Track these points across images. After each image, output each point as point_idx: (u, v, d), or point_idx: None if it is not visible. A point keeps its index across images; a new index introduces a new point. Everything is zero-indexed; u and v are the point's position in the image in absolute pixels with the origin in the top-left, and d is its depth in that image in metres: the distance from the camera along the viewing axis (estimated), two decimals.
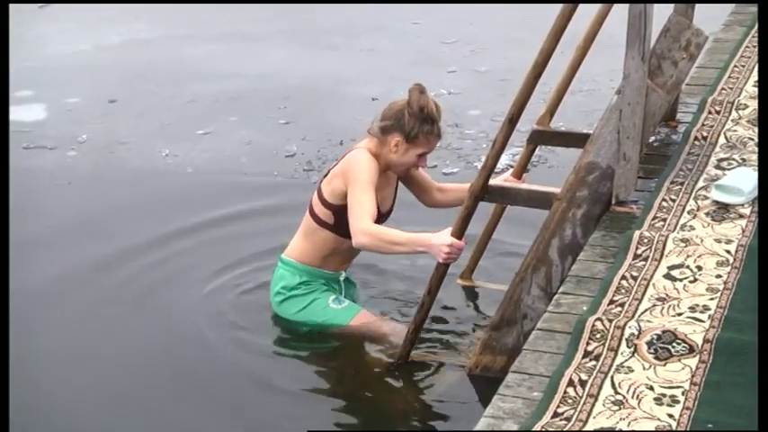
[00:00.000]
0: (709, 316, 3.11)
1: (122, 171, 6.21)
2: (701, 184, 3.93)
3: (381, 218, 4.24)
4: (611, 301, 3.23)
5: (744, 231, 3.56)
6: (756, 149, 4.14)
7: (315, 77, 7.70)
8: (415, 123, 4.09)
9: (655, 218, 3.72)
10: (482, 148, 6.06)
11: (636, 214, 3.77)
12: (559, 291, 3.44)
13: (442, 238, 3.87)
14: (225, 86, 7.57)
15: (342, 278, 4.44)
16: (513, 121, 3.79)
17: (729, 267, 3.36)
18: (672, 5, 4.18)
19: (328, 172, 4.28)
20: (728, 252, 3.44)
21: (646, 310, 3.17)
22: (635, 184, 3.86)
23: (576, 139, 4.33)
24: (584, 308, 3.25)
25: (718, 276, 3.31)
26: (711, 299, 3.20)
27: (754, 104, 4.54)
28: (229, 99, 7.37)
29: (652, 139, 4.31)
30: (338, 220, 4.19)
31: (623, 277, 3.35)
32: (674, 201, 3.83)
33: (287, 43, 8.51)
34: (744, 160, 4.07)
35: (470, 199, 3.92)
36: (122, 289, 4.77)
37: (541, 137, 4.56)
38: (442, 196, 4.49)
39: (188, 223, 5.39)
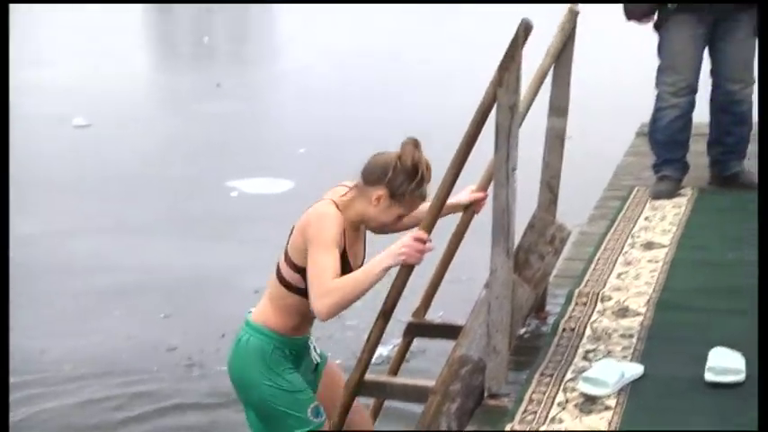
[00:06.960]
0: None
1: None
2: (569, 375, 4.02)
3: None
4: None
5: (610, 423, 3.64)
6: (620, 341, 4.28)
7: (198, 268, 7.74)
8: (404, 180, 3.69)
9: (525, 411, 3.78)
10: (363, 339, 6.11)
11: (507, 407, 3.83)
12: None
13: (401, 241, 3.59)
14: (111, 280, 7.55)
15: (311, 342, 4.09)
16: (386, 314, 3.86)
17: None
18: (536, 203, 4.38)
19: (293, 228, 3.80)
20: None
21: None
22: (506, 377, 3.93)
23: (450, 332, 4.39)
24: None
25: None
26: None
27: (617, 296, 4.71)
28: (114, 293, 7.34)
29: (522, 330, 4.42)
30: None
31: None
32: (544, 393, 3.90)
33: (171, 234, 8.57)
34: (609, 352, 4.18)
35: (346, 394, 3.95)
36: None
37: (417, 329, 4.65)
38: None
39: None
